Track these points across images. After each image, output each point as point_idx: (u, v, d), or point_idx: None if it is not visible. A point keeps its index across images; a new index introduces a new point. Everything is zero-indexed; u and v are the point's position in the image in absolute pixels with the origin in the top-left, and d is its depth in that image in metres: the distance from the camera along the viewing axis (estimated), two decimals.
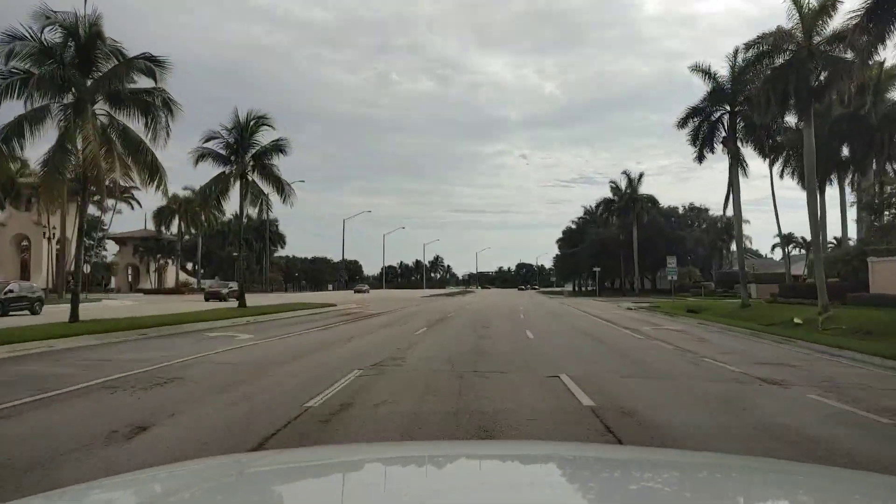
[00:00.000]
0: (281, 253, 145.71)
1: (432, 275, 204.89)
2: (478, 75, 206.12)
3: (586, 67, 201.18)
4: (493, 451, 2.70)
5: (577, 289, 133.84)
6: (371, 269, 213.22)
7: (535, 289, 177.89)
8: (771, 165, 43.91)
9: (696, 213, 76.39)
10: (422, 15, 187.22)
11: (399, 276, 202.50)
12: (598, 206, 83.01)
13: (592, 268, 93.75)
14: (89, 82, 17.39)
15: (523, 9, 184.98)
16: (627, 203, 73.00)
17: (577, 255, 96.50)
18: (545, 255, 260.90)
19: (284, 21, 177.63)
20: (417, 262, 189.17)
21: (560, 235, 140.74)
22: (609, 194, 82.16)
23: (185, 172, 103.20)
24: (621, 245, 78.45)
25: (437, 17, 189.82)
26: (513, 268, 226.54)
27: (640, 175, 72.12)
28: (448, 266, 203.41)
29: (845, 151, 38.96)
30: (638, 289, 71.59)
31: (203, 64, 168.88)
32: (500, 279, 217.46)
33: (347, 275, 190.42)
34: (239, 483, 1.78)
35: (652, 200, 72.12)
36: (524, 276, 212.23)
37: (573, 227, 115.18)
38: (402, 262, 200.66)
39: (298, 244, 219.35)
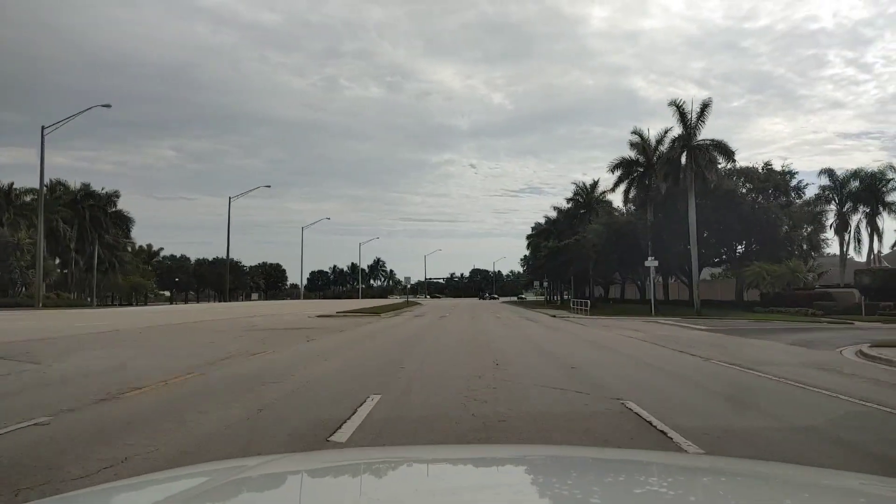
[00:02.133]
0: (172, 253, 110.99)
1: (372, 282, 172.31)
2: (427, 83, 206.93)
3: (534, 79, 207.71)
4: (496, 454, 2.67)
5: (551, 297, 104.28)
6: (299, 274, 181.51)
7: (495, 298, 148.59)
8: None
9: (780, 177, 46.16)
10: (371, 21, 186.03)
11: (332, 283, 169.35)
12: (613, 168, 52.37)
13: (592, 267, 63.73)
14: None
15: (473, 19, 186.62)
16: (680, 154, 42.57)
17: (568, 250, 66.20)
18: (502, 260, 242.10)
19: (231, 22, 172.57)
20: (353, 266, 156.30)
21: (530, 231, 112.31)
22: (628, 153, 51.70)
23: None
24: (655, 231, 48.40)
25: (387, 24, 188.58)
26: (466, 274, 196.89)
27: (705, 106, 41.70)
28: (391, 271, 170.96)
29: None
30: (698, 304, 40.86)
31: (144, 62, 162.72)
32: (452, 287, 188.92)
33: (265, 282, 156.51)
34: (240, 488, 1.78)
35: (722, 148, 41.82)
36: (479, 284, 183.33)
37: (556, 214, 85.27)
38: (335, 267, 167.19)
39: (240, 252, 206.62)
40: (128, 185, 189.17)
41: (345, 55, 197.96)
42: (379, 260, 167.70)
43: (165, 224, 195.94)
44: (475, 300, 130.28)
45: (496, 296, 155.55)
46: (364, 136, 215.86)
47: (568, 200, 74.90)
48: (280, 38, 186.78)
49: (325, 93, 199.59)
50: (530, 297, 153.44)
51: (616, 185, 53.84)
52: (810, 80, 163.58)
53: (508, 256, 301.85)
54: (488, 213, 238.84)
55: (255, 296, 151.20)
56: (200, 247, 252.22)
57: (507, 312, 46.59)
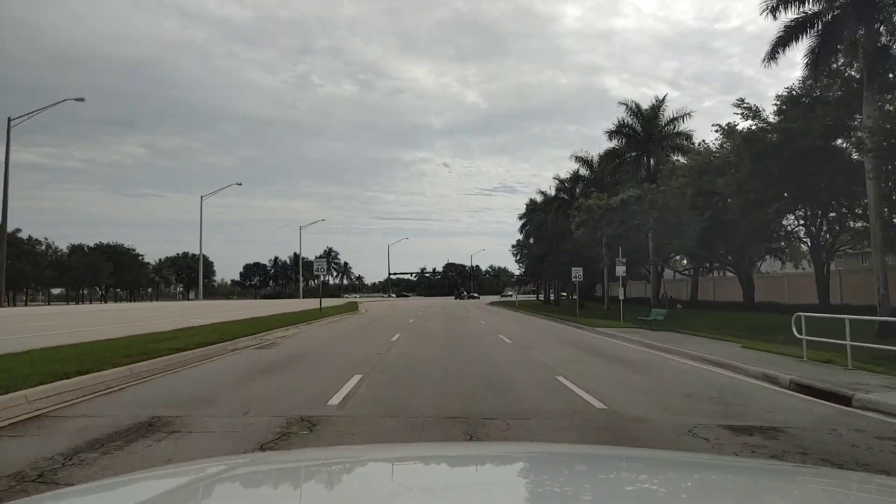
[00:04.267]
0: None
1: (324, 277, 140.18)
2: (400, 81, 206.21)
3: (507, 78, 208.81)
4: (490, 451, 2.64)
5: (549, 297, 75.35)
6: (234, 269, 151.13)
7: (474, 297, 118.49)
8: None
9: None
10: (343, 18, 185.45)
11: (273, 278, 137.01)
12: (774, 7, 21.73)
13: (704, 230, 32.99)
14: None
15: (446, 17, 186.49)
16: None
17: (623, 210, 36.07)
18: (480, 254, 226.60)
19: (199, 17, 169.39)
20: (296, 257, 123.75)
21: (524, 209, 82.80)
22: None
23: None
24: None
25: (360, 21, 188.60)
26: (439, 269, 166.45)
27: None
28: (345, 264, 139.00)
29: None
30: None
31: (111, 58, 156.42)
32: (424, 284, 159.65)
33: (186, 277, 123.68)
34: (234, 484, 1.77)
35: None
36: (453, 281, 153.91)
37: (579, 169, 55.18)
38: (276, 259, 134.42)
39: (207, 250, 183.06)
40: (96, 182, 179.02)
41: (317, 52, 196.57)
42: (331, 251, 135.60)
43: (133, 222, 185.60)
44: (450, 300, 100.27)
45: (476, 294, 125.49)
46: (336, 134, 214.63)
47: (610, 135, 44.02)
48: (250, 34, 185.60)
49: (297, 90, 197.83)
50: (512, 296, 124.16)
51: (777, 47, 22.90)
52: (781, 80, 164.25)
53: (486, 251, 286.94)
54: (462, 211, 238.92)
55: (192, 294, 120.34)
56: (166, 244, 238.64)
57: (566, 348, 15.87)
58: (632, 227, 35.62)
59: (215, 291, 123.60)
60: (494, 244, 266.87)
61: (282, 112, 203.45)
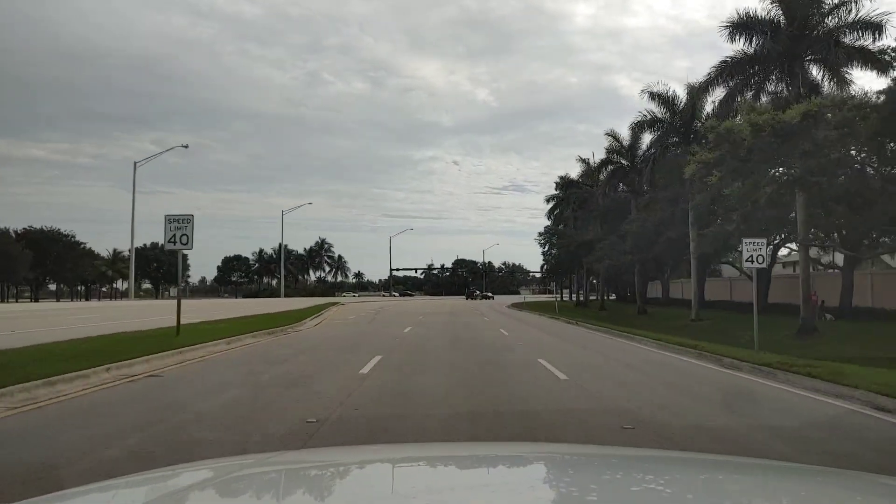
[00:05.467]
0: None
1: (313, 272, 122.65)
2: (410, 79, 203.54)
3: (517, 76, 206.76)
4: (493, 452, 2.64)
5: (583, 298, 58.82)
6: (211, 263, 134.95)
7: (488, 297, 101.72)
8: None
9: None
10: (354, 15, 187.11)
11: (257, 274, 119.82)
12: None
13: None
14: None
15: (456, 15, 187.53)
16: None
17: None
18: (491, 250, 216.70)
19: (209, 14, 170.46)
20: (280, 249, 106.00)
21: (555, 190, 66.17)
22: None
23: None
24: None
25: (370, 19, 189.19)
26: (448, 266, 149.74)
27: None
28: (340, 257, 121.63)
29: None
30: None
31: (119, 55, 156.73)
32: (431, 282, 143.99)
33: (146, 273, 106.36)
34: (237, 486, 1.77)
35: None
36: (464, 279, 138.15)
37: (655, 110, 37.45)
38: (260, 252, 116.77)
39: (214, 245, 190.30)
40: (108, 178, 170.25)
41: (327, 50, 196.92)
42: (323, 242, 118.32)
43: (143, 219, 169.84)
44: (461, 301, 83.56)
45: (490, 294, 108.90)
46: (346, 132, 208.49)
47: (731, 33, 26.15)
48: (261, 31, 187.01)
49: (307, 87, 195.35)
50: (529, 295, 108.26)
51: None
52: None
53: (499, 247, 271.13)
54: (472, 209, 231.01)
55: (171, 291, 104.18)
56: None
57: None
58: (825, 167, 18.05)
59: (192, 289, 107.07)
60: (504, 242, 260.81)
61: (291, 110, 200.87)
